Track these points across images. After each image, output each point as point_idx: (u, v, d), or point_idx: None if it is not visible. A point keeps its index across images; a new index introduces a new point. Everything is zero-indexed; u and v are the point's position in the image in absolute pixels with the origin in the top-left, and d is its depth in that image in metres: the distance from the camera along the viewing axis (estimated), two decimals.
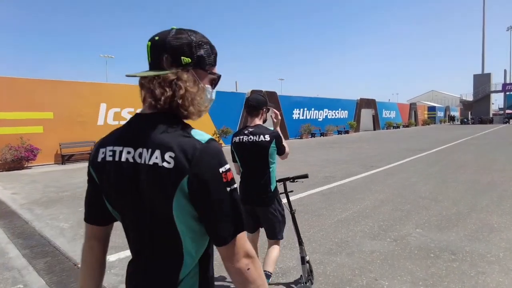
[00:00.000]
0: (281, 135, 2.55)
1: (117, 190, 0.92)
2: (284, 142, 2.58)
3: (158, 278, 0.92)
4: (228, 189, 0.87)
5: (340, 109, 31.58)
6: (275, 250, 2.57)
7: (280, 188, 2.67)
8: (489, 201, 5.61)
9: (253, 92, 21.80)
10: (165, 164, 0.83)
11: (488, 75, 51.57)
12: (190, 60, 0.91)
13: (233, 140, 2.59)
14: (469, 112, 53.76)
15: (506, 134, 23.29)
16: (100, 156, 0.94)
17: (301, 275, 2.79)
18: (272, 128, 2.54)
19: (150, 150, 0.86)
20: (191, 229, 0.89)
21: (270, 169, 2.52)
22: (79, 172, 10.29)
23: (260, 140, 2.44)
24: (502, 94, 52.34)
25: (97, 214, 1.01)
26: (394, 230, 4.23)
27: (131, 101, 15.79)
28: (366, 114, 36.43)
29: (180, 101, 0.89)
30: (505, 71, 55.05)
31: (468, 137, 21.37)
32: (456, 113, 71.26)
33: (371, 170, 9.18)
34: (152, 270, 0.93)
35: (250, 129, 2.50)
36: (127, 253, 3.65)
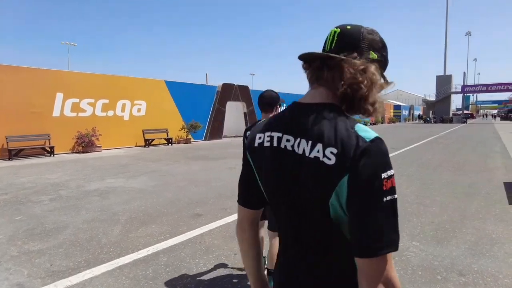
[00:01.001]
0: None
1: (273, 175, 0.89)
2: None
3: (318, 270, 0.87)
4: (386, 198, 0.74)
5: None
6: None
7: None
8: (477, 205, 5.31)
9: (224, 85, 20.97)
10: (325, 160, 0.77)
11: (449, 76, 53.99)
12: (377, 57, 0.88)
13: (247, 134, 2.46)
14: (431, 111, 56.01)
15: (468, 133, 24.18)
16: (257, 141, 0.93)
17: None
18: None
19: (311, 142, 0.81)
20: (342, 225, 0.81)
21: None
22: (27, 170, 9.08)
23: None
24: (460, 95, 55.21)
25: (250, 198, 1.02)
26: None
27: (92, 91, 14.49)
28: None
29: (364, 92, 0.82)
30: (464, 73, 58.02)
31: (434, 135, 21.93)
32: (419, 112, 74.53)
33: None
34: (310, 260, 0.88)
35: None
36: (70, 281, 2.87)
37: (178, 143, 17.89)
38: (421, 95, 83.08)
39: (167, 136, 17.37)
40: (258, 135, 0.93)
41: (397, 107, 59.25)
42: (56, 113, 13.31)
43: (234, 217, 4.74)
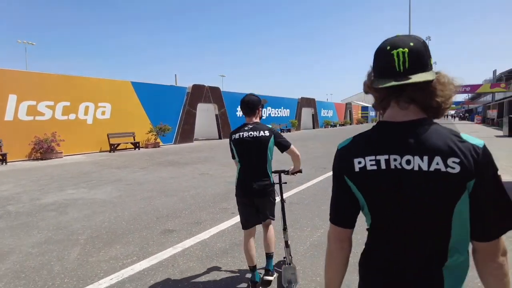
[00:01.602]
0: (280, 134, 2.79)
1: (388, 194, 0.95)
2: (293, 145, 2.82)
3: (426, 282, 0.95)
4: (503, 190, 0.90)
5: (282, 108, 31.51)
6: (271, 231, 2.86)
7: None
8: None
9: (194, 86, 20.35)
10: (449, 169, 0.87)
11: None
12: (431, 64, 0.96)
13: (232, 138, 2.74)
14: None
15: None
16: (358, 165, 0.98)
17: (284, 257, 2.96)
18: (269, 125, 2.79)
19: (426, 157, 0.89)
20: (463, 226, 0.92)
21: (268, 163, 2.72)
22: None
23: (260, 135, 2.64)
24: None
25: (347, 218, 1.07)
26: None
27: (52, 93, 13.42)
28: (306, 113, 37.10)
29: (445, 104, 0.96)
30: None
31: None
32: None
33: (325, 172, 8.61)
34: (417, 272, 0.96)
35: (250, 126, 2.70)
36: None
37: (146, 147, 17.06)
38: None
39: (134, 140, 16.51)
40: (356, 160, 0.98)
41: (364, 109, 61.10)
42: (8, 116, 12.17)
43: (210, 232, 4.30)
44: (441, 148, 0.88)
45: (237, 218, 4.44)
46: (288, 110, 32.66)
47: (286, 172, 2.91)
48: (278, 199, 2.88)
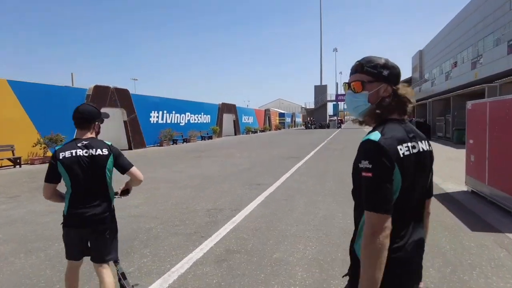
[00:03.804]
0: (120, 152, 2.45)
1: (417, 172, 1.23)
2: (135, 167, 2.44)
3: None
4: None
5: (203, 113, 29.55)
6: (110, 278, 2.31)
7: None
8: (446, 243, 4.17)
9: (96, 87, 17.20)
10: (431, 148, 1.35)
11: (325, 86, 59.80)
12: None
13: (60, 156, 2.25)
14: (309, 118, 60.36)
15: (348, 138, 25.89)
16: (400, 152, 1.18)
17: None
18: (109, 142, 2.42)
19: (424, 141, 1.31)
20: None
21: (109, 187, 2.39)
22: None
23: (97, 153, 2.29)
24: (331, 103, 61.46)
25: (391, 206, 1.16)
26: None
27: None
28: (228, 119, 35.80)
29: None
30: (337, 84, 65.15)
31: (322, 141, 22.61)
32: (300, 119, 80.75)
33: (261, 191, 7.09)
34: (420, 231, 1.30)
35: (84, 142, 2.32)
36: None
37: (32, 163, 13.46)
38: (300, 103, 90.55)
39: (13, 155, 12.83)
40: (399, 147, 1.18)
41: (281, 115, 62.75)
42: None
43: None
44: (422, 136, 1.34)
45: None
46: (209, 116, 30.82)
47: (116, 193, 2.50)
48: None
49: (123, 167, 2.37)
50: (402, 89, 1.29)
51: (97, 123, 2.42)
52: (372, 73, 1.28)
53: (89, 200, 2.29)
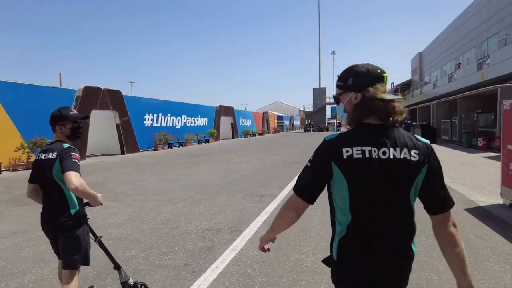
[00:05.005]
0: (73, 155, 2.22)
1: (368, 178, 1.25)
2: (76, 171, 2.15)
3: (398, 248, 1.28)
4: (443, 176, 1.32)
5: (199, 116, 28.56)
6: (73, 283, 2.25)
7: None
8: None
9: (86, 88, 16.24)
10: (412, 158, 1.25)
11: (324, 89, 58.98)
12: None
13: (36, 157, 2.41)
14: (307, 121, 59.34)
15: None
16: (346, 154, 1.26)
17: None
18: (66, 145, 2.29)
19: (398, 149, 1.25)
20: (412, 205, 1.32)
21: (66, 191, 2.26)
22: None
23: (47, 158, 2.27)
24: (329, 105, 60.48)
25: (314, 196, 1.32)
26: None
27: None
28: (225, 122, 34.86)
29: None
30: (335, 86, 64.36)
31: None
32: (297, 122, 79.98)
33: (265, 204, 6.15)
34: (391, 240, 1.27)
35: (48, 145, 2.38)
36: None
37: (14, 170, 12.42)
38: (298, 106, 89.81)
39: None
40: (345, 149, 1.24)
41: (280, 118, 61.84)
42: None
43: None
44: (407, 143, 1.27)
45: None
46: (206, 119, 29.84)
47: (86, 204, 2.40)
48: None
49: (62, 169, 2.17)
50: (371, 91, 1.28)
51: (60, 126, 2.37)
52: (340, 86, 1.38)
53: (47, 204, 2.32)
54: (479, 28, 27.39)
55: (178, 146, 23.34)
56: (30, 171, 2.43)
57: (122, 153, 18.26)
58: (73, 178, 2.09)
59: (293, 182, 8.39)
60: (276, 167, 11.42)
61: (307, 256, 3.74)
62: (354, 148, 1.22)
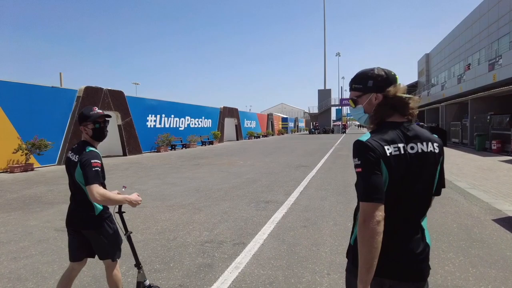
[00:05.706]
0: (93, 163, 2.18)
1: (409, 172, 1.34)
2: (97, 183, 2.13)
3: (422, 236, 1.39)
4: None
5: (203, 117, 28.14)
6: (113, 275, 2.39)
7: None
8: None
9: (87, 88, 15.85)
10: (435, 150, 1.38)
11: (329, 90, 58.33)
12: None
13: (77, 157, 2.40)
14: (312, 123, 58.60)
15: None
16: (388, 151, 1.33)
17: None
18: (91, 148, 2.30)
19: (425, 143, 1.37)
20: None
21: (87, 193, 2.21)
22: None
23: (73, 158, 2.32)
24: (334, 107, 59.72)
25: (383, 195, 1.30)
26: None
27: None
28: (229, 124, 34.43)
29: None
30: (341, 87, 63.88)
31: (331, 147, 21.16)
32: (302, 124, 79.32)
33: (272, 212, 5.66)
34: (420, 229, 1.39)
35: (76, 145, 2.39)
36: None
37: (11, 172, 12.04)
38: (302, 108, 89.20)
39: None
40: (386, 147, 1.30)
41: (284, 120, 61.26)
42: None
43: None
44: (431, 137, 1.39)
45: None
46: (210, 120, 29.42)
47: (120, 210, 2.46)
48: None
49: (84, 180, 2.18)
50: (392, 90, 1.36)
51: (83, 127, 2.37)
52: (358, 89, 1.44)
53: (73, 202, 2.37)
54: (490, 28, 26.73)
55: (182, 148, 22.92)
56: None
57: (124, 154, 17.87)
58: (94, 193, 2.09)
59: (300, 188, 7.88)
60: (281, 171, 10.92)
61: (321, 276, 3.24)
62: (392, 146, 1.30)
